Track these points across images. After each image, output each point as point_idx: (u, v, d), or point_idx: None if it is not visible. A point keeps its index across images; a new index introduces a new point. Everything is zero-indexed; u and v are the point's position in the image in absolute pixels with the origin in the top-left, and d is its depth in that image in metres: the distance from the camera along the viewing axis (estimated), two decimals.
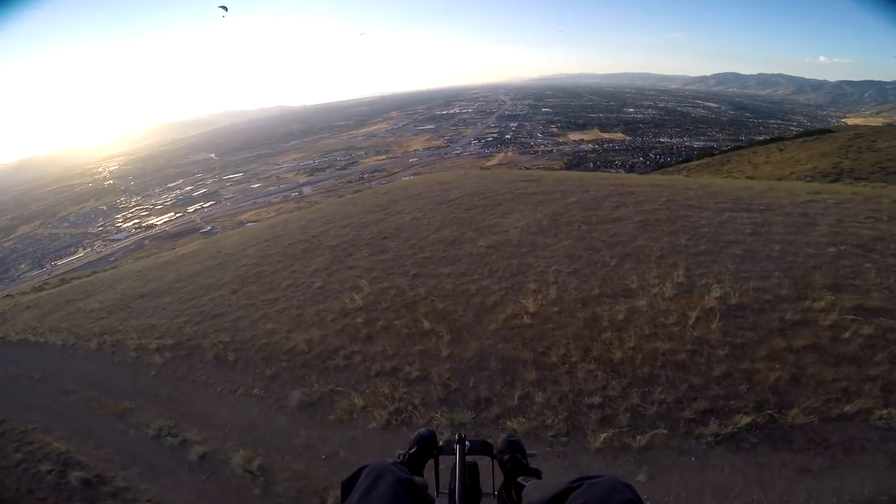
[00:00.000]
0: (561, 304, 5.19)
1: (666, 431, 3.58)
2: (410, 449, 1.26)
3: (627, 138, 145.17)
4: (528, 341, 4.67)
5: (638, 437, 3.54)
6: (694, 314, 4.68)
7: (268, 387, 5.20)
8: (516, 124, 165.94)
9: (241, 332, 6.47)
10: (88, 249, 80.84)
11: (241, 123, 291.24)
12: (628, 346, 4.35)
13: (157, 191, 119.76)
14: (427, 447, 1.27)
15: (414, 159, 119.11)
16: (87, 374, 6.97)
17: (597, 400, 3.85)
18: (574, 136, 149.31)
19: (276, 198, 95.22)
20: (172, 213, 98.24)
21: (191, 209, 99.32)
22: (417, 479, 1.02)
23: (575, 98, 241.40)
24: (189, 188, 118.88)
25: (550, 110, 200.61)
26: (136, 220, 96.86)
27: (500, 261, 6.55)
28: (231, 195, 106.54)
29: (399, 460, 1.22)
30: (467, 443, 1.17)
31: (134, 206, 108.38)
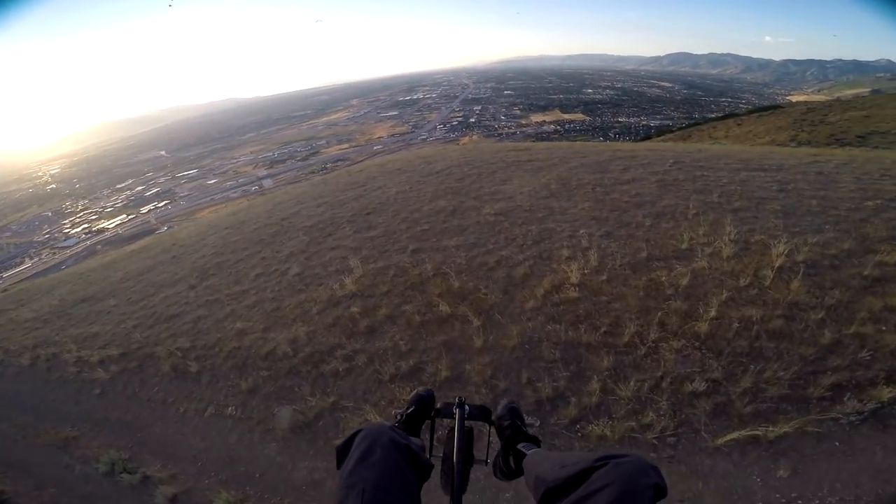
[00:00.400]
0: (608, 272, 4.22)
1: (797, 415, 2.73)
2: (408, 409, 1.23)
3: (587, 119, 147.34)
4: (584, 318, 3.67)
5: (768, 427, 2.67)
6: (769, 274, 3.86)
7: (245, 404, 3.99)
8: (480, 107, 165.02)
9: (204, 336, 5.18)
10: (36, 259, 73.96)
11: (192, 118, 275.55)
12: (709, 315, 3.45)
13: (105, 193, 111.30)
14: (425, 408, 1.25)
15: (378, 146, 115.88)
16: (20, 396, 5.67)
17: (700, 386, 2.93)
18: (536, 117, 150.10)
19: (235, 193, 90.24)
20: (125, 215, 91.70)
21: (144, 210, 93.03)
22: (415, 441, 1.02)
23: (536, 80, 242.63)
24: (140, 188, 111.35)
25: (513, 93, 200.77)
26: (86, 225, 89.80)
27: (514, 228, 5.53)
28: (186, 193, 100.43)
29: (396, 421, 1.20)
30: (467, 407, 1.12)
31: (82, 211, 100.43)
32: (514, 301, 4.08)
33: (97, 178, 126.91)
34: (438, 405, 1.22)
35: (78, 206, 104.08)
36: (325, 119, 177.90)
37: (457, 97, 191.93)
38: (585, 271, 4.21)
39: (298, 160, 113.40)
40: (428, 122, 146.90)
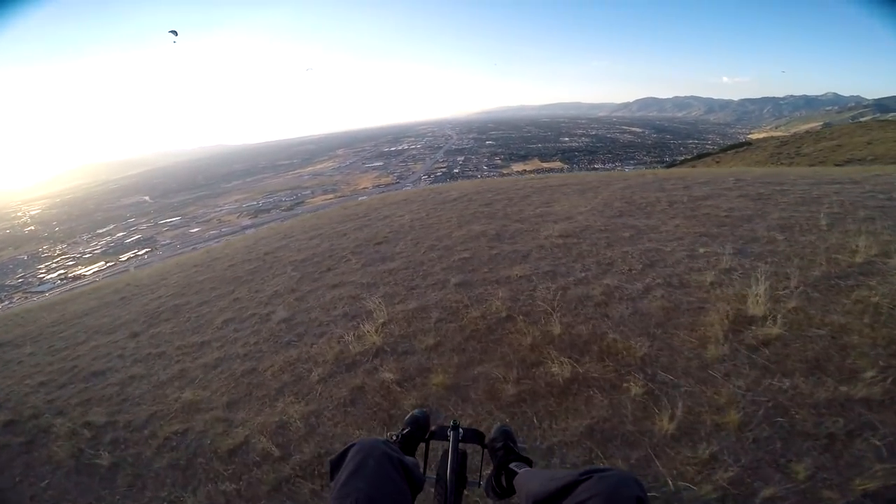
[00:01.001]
0: (794, 297, 2.65)
1: None
2: (404, 430, 1.24)
3: (565, 167, 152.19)
4: (815, 363, 2.08)
5: None
6: None
7: None
8: (463, 158, 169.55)
9: (132, 407, 3.34)
10: (6, 303, 69.37)
11: (179, 163, 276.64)
12: None
13: (85, 237, 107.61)
14: (420, 429, 1.25)
15: (364, 197, 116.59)
16: None
17: None
18: (517, 166, 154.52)
19: (217, 242, 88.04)
20: (103, 262, 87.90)
21: (124, 257, 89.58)
22: (409, 459, 1.02)
23: (515, 130, 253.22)
24: (121, 234, 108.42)
25: (494, 143, 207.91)
26: (62, 271, 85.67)
27: (600, 250, 4.01)
28: (168, 241, 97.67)
29: (393, 441, 1.17)
30: (461, 430, 1.14)
31: (59, 255, 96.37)
32: (678, 349, 2.39)
33: (78, 221, 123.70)
34: (433, 427, 1.20)
35: (56, 250, 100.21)
36: (310, 169, 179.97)
37: (441, 148, 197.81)
38: (762, 300, 2.59)
39: (283, 210, 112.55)
40: (413, 172, 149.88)
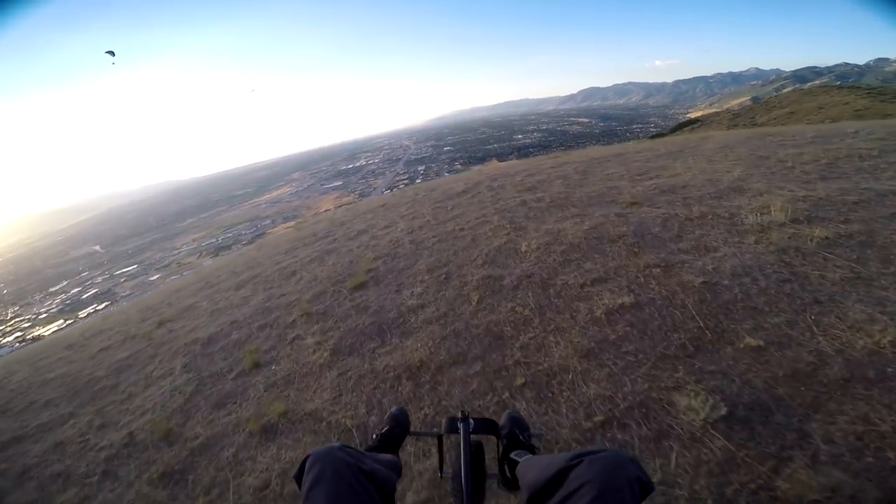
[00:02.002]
0: None
1: None
2: (383, 428, 1.25)
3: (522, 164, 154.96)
4: None
5: None
6: None
7: None
8: (424, 167, 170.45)
9: None
10: None
11: (126, 206, 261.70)
12: None
13: (38, 297, 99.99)
14: (399, 425, 1.27)
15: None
16: None
17: None
18: (477, 169, 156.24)
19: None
20: (62, 321, 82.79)
21: (83, 314, 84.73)
22: (384, 456, 1.05)
23: (471, 133, 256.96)
24: (77, 290, 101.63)
25: (452, 148, 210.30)
26: (19, 333, 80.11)
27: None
28: (128, 292, 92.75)
29: (372, 443, 1.21)
30: (471, 421, 1.10)
31: (12, 318, 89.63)
32: None
33: (27, 280, 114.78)
34: (444, 421, 1.17)
35: (7, 313, 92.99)
36: (267, 196, 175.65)
37: (400, 159, 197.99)
38: None
39: (244, 244, 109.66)
40: (374, 188, 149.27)
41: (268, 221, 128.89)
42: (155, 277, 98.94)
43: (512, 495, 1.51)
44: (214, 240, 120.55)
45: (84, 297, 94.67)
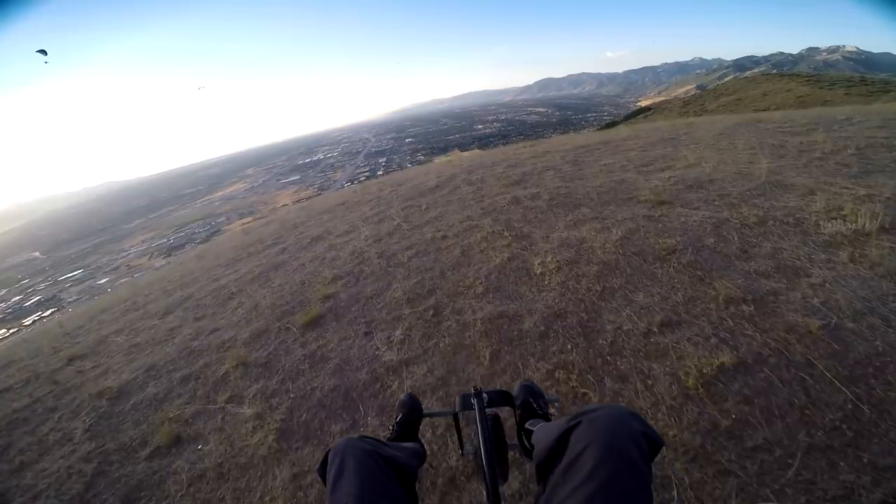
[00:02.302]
0: None
1: None
2: (396, 417, 1.24)
3: (483, 153, 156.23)
4: None
5: None
6: None
7: None
8: (385, 159, 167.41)
9: None
10: None
11: (65, 209, 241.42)
12: None
13: None
14: (412, 410, 1.25)
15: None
16: None
17: None
18: (439, 160, 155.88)
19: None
20: (5, 330, 75.46)
21: (28, 321, 77.58)
22: (406, 445, 1.06)
23: (432, 124, 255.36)
24: (17, 298, 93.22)
25: (413, 139, 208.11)
26: None
27: None
28: (75, 297, 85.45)
29: (391, 433, 1.19)
30: (485, 395, 1.08)
31: None
32: None
33: None
34: (457, 398, 1.13)
35: None
36: (220, 193, 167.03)
37: (360, 152, 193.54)
38: None
39: (198, 242, 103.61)
40: (334, 181, 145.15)
41: (222, 218, 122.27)
42: (103, 281, 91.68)
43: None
44: (166, 240, 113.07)
45: (27, 304, 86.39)
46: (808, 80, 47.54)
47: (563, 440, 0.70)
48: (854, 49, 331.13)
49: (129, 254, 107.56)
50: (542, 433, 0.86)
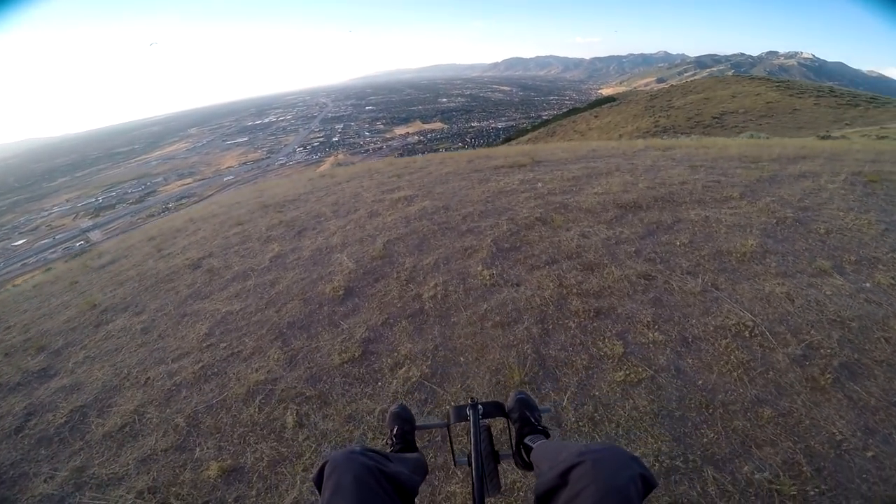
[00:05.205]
0: None
1: None
2: (392, 430, 1.22)
3: (445, 126, 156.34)
4: None
5: None
6: None
7: None
8: (342, 126, 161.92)
9: None
10: None
11: None
12: None
13: None
14: (406, 421, 1.24)
15: (230, 177, 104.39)
16: None
17: None
18: (399, 130, 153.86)
19: (54, 253, 72.30)
20: None
21: None
22: (410, 456, 1.06)
23: (395, 93, 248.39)
24: None
25: (374, 108, 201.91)
26: None
27: None
28: None
29: (390, 448, 1.18)
30: (480, 406, 1.11)
31: None
32: None
33: None
34: (450, 409, 1.15)
35: None
36: (158, 153, 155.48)
37: (315, 117, 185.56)
38: None
39: (132, 203, 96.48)
40: (285, 145, 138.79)
41: (159, 179, 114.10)
42: (20, 243, 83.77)
43: (530, 474, 1.44)
44: (93, 199, 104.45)
45: None
46: (778, 86, 46.82)
47: (566, 474, 0.73)
48: (810, 56, 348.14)
49: (51, 213, 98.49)
50: (544, 458, 0.90)
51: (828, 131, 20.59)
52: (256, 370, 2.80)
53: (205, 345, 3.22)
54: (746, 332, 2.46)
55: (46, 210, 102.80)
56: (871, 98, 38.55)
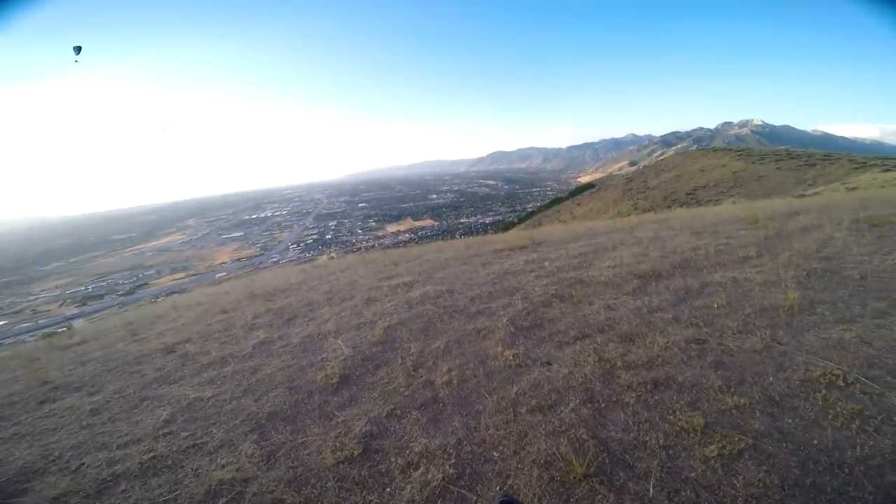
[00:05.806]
0: None
1: None
2: None
3: (435, 223, 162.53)
4: None
5: None
6: None
7: None
8: (335, 223, 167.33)
9: None
10: None
11: None
12: None
13: None
14: None
15: (222, 273, 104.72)
16: None
17: None
18: (391, 227, 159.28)
19: (33, 336, 68.58)
20: None
21: None
22: None
23: (387, 190, 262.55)
24: None
25: (367, 204, 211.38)
26: None
27: None
28: None
29: None
30: None
31: None
32: None
33: None
34: None
35: None
36: (153, 244, 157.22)
37: (310, 213, 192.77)
38: None
39: (120, 294, 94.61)
40: (279, 242, 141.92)
41: (152, 272, 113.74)
42: (1, 323, 79.84)
43: None
44: (83, 287, 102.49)
45: None
46: (740, 155, 49.73)
47: None
48: (760, 123, 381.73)
49: (38, 298, 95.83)
50: None
51: (803, 193, 21.50)
52: (223, 467, 2.31)
53: (162, 432, 2.77)
54: (840, 382, 2.26)
55: (34, 294, 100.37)
56: (824, 156, 41.70)
